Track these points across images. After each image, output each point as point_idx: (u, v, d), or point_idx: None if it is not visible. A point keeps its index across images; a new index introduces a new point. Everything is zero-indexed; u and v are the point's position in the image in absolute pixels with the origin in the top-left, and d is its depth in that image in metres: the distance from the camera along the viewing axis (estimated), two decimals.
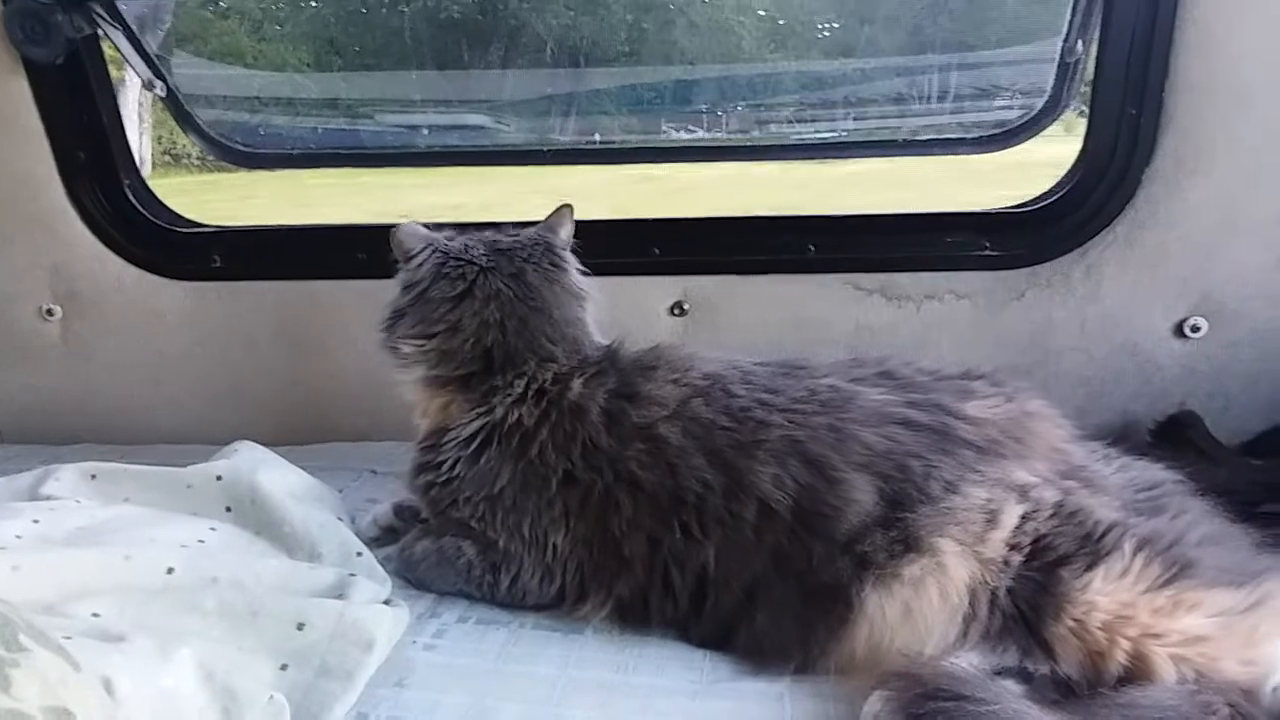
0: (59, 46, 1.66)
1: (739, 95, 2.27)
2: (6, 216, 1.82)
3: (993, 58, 2.02)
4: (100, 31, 1.71)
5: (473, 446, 1.19)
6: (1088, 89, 1.67)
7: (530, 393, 1.20)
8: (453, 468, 1.20)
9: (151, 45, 1.80)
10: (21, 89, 1.71)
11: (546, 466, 1.16)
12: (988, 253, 1.66)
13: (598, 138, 2.28)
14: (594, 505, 1.14)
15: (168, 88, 1.86)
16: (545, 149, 2.16)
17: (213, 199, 2.28)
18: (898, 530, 1.03)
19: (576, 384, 1.20)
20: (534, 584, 1.17)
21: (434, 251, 1.27)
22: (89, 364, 1.90)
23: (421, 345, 1.25)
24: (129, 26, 1.74)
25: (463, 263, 1.25)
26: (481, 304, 1.23)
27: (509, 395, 1.20)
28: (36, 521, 1.17)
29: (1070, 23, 1.64)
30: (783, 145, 2.24)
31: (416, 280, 1.26)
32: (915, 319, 1.69)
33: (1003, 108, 1.93)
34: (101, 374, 1.90)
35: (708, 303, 1.74)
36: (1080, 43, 1.63)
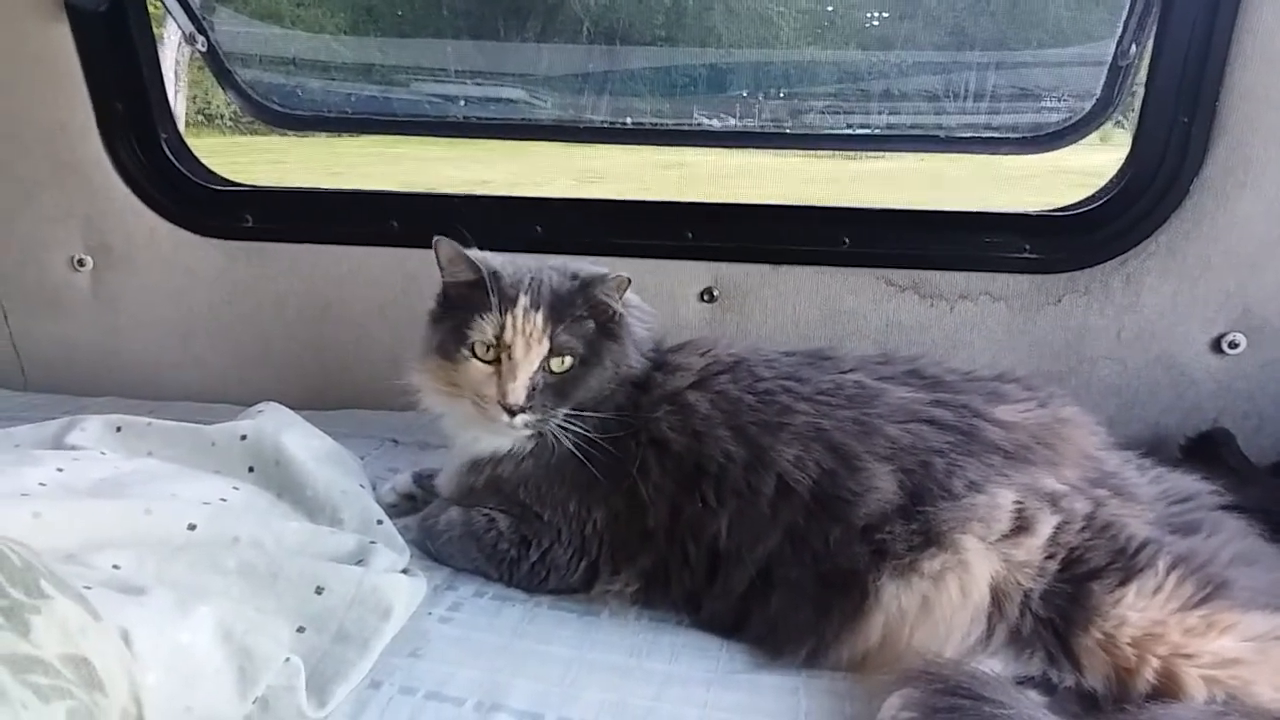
0: None
1: (774, 84, 2.24)
2: (42, 163, 1.82)
3: (1034, 59, 1.98)
4: None
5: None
6: (1130, 97, 1.64)
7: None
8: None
9: None
10: (63, 35, 1.71)
11: (604, 444, 1.17)
12: (1027, 255, 1.64)
13: (629, 121, 2.26)
14: (626, 473, 1.15)
15: (209, 43, 1.85)
16: (579, 125, 2.15)
17: (243, 161, 2.27)
18: (918, 523, 1.03)
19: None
20: (564, 559, 1.17)
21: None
22: (117, 316, 1.90)
23: None
24: None
25: None
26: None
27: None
28: (60, 470, 1.16)
29: (1125, 25, 1.60)
30: (818, 135, 2.21)
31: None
32: (948, 318, 1.67)
33: (1047, 109, 1.89)
34: (130, 327, 1.91)
35: (738, 290, 1.72)
36: (1134, 46, 1.59)
